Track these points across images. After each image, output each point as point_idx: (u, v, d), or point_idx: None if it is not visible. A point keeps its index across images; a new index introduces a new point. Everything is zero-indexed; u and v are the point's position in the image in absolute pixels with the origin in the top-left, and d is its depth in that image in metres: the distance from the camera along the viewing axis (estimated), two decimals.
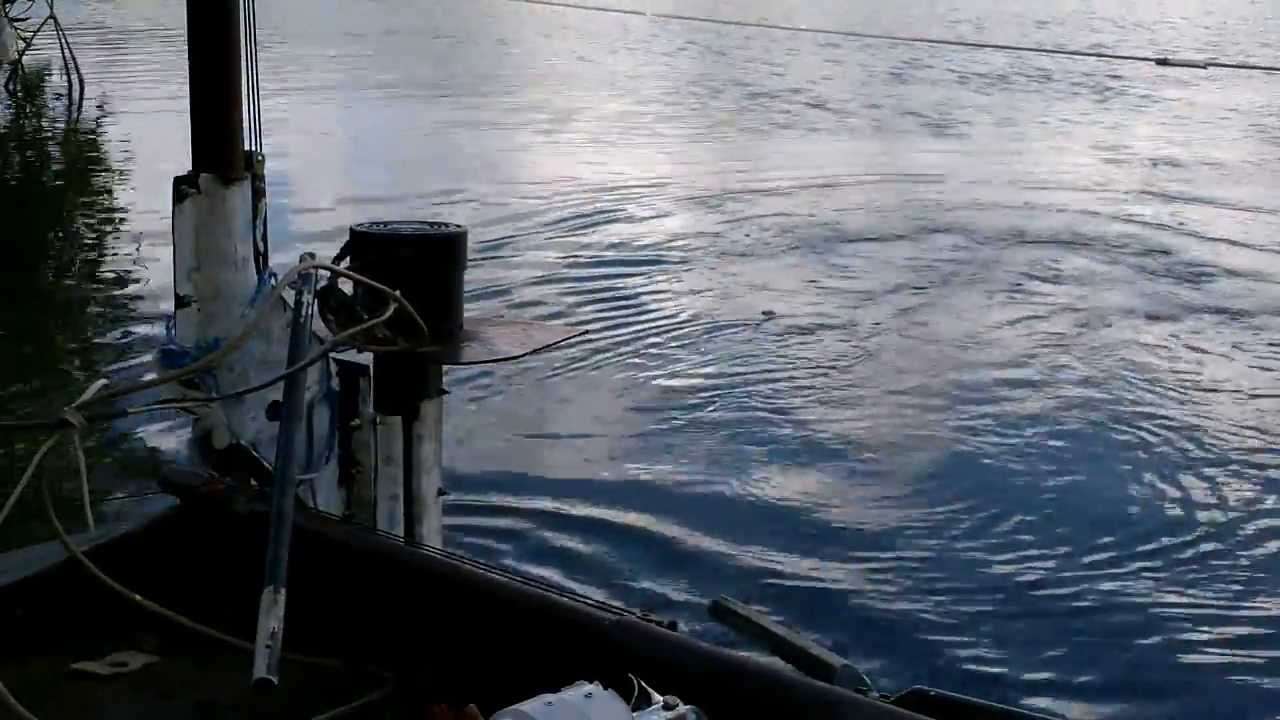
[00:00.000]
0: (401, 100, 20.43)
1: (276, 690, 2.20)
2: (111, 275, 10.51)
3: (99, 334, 9.13)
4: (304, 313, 2.67)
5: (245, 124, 2.85)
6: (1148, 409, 7.90)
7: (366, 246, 3.14)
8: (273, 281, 2.80)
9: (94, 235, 12.08)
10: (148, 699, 2.29)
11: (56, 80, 20.14)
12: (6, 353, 8.58)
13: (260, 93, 2.88)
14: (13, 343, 8.84)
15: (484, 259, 10.41)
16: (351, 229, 3.20)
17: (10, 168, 15.93)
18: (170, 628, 2.38)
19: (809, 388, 8.23)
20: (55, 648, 2.36)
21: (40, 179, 15.49)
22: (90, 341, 9.03)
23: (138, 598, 2.35)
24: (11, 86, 19.37)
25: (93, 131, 17.76)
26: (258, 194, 2.83)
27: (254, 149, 2.85)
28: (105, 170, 15.17)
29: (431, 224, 3.36)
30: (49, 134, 17.97)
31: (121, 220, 12.39)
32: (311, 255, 2.85)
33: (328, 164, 15.26)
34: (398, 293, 2.84)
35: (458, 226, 3.32)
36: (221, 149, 2.78)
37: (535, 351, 3.53)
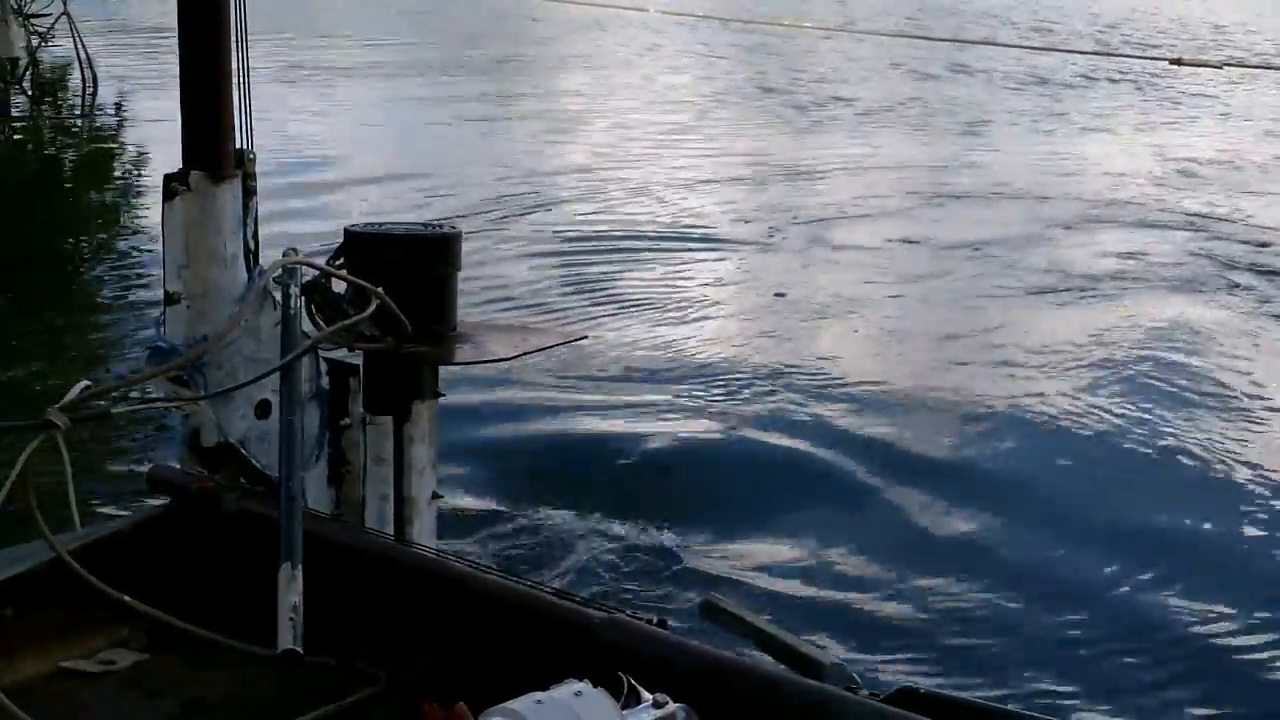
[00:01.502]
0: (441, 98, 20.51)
1: (264, 687, 2.21)
2: (112, 271, 10.58)
3: (103, 328, 9.18)
4: (292, 305, 2.68)
5: (237, 122, 2.84)
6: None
7: (359, 246, 3.14)
8: (262, 280, 2.80)
9: (99, 231, 12.13)
10: (136, 697, 2.28)
11: (75, 77, 20.08)
12: (12, 346, 8.63)
13: (251, 91, 2.87)
14: (17, 334, 8.89)
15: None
16: (345, 229, 3.20)
17: (20, 164, 15.92)
18: (159, 626, 2.37)
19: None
20: (44, 646, 2.36)
21: (47, 174, 15.46)
22: (94, 335, 9.07)
23: (126, 598, 2.34)
24: (24, 84, 19.31)
25: (104, 128, 17.75)
26: (248, 192, 2.83)
27: (245, 147, 2.84)
28: (112, 166, 15.22)
29: (425, 225, 3.36)
30: (59, 130, 17.96)
31: (124, 216, 12.40)
32: (295, 250, 2.84)
33: (374, 158, 15.47)
34: (380, 290, 2.85)
35: (451, 228, 3.32)
36: (212, 147, 2.78)
37: (527, 354, 3.52)
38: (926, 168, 15.55)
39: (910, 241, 11.89)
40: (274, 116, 16.15)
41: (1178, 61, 4.80)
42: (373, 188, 13.28)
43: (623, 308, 9.56)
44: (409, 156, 15.44)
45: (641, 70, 24.84)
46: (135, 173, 14.40)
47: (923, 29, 30.74)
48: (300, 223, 10.14)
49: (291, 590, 2.25)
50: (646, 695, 1.81)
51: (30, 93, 19.21)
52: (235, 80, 2.82)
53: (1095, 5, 39.52)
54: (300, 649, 2.18)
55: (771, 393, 7.75)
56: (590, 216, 12.65)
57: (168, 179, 2.75)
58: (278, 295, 2.79)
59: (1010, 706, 2.13)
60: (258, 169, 2.87)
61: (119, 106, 18.80)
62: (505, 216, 12.39)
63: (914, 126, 18.83)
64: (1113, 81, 23.75)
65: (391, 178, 13.92)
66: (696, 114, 19.65)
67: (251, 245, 2.83)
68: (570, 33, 29.66)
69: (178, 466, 2.82)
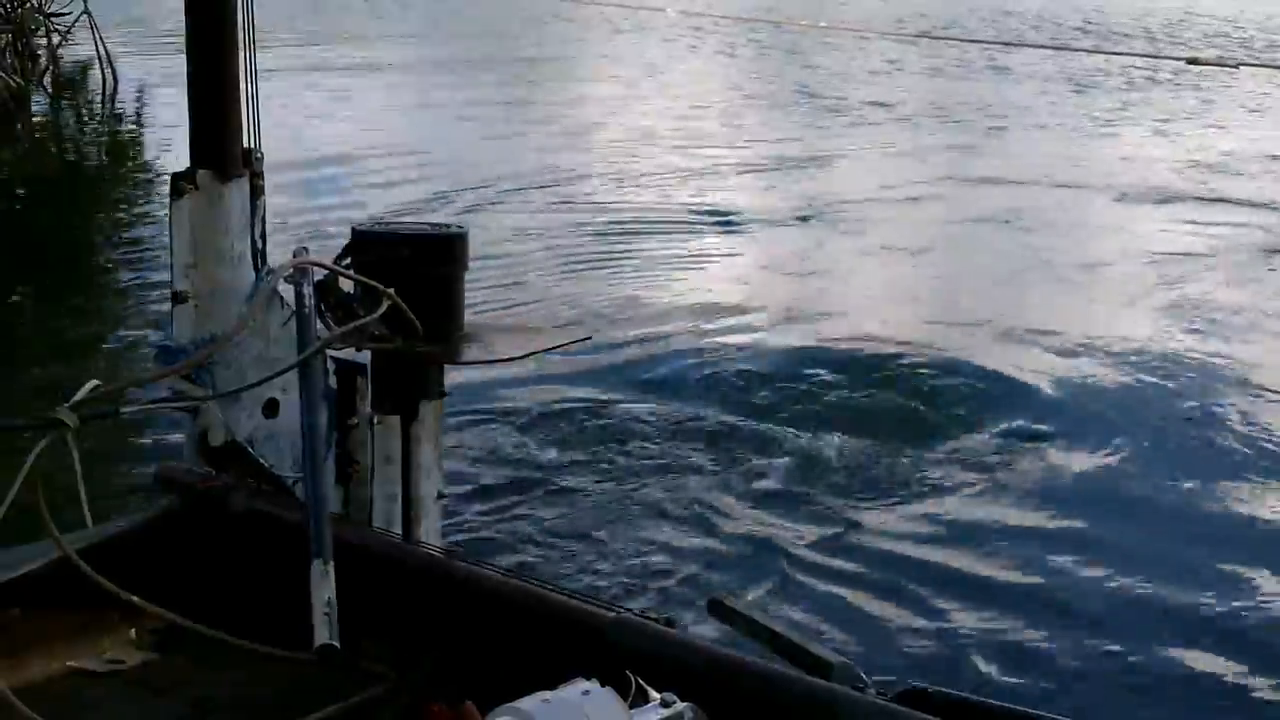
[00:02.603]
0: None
1: (272, 686, 2.20)
2: (128, 271, 10.67)
3: (118, 326, 9.25)
4: (307, 306, 2.68)
5: (244, 121, 2.84)
6: None
7: (366, 246, 3.14)
8: (270, 279, 2.80)
9: (114, 229, 12.21)
10: (144, 696, 2.28)
11: (93, 75, 20.14)
12: (25, 343, 8.69)
13: (259, 91, 2.87)
14: (31, 331, 8.95)
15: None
16: (353, 228, 3.20)
17: (41, 162, 15.98)
18: (167, 625, 2.37)
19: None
20: (52, 645, 2.36)
21: (67, 172, 15.53)
22: (109, 333, 9.14)
23: (134, 598, 2.34)
24: (45, 82, 19.37)
25: (124, 126, 17.83)
26: (256, 191, 2.83)
27: (252, 146, 2.84)
28: (132, 164, 15.34)
29: (433, 225, 3.36)
30: (80, 128, 18.02)
31: (140, 214, 12.49)
32: (306, 250, 2.84)
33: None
34: (391, 290, 2.84)
35: (459, 227, 3.32)
36: (220, 145, 2.77)
37: (534, 354, 3.52)
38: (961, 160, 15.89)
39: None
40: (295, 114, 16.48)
41: (1194, 61, 4.86)
42: (420, 186, 13.78)
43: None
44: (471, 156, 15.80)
45: (676, 71, 24.90)
46: (153, 171, 14.49)
47: (970, 31, 30.71)
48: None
49: (324, 586, 2.24)
50: (654, 694, 1.80)
51: (51, 91, 19.28)
52: (242, 79, 2.82)
53: (1151, 6, 39.26)
54: (337, 643, 2.16)
55: None
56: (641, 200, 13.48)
57: (175, 178, 2.74)
58: (285, 295, 2.78)
59: (1018, 706, 2.11)
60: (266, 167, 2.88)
61: (139, 101, 18.85)
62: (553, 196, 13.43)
63: (950, 127, 18.86)
64: (1155, 82, 23.66)
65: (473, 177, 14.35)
66: (730, 115, 19.74)
67: (259, 244, 2.83)
68: (607, 36, 29.69)
69: (185, 466, 2.83)
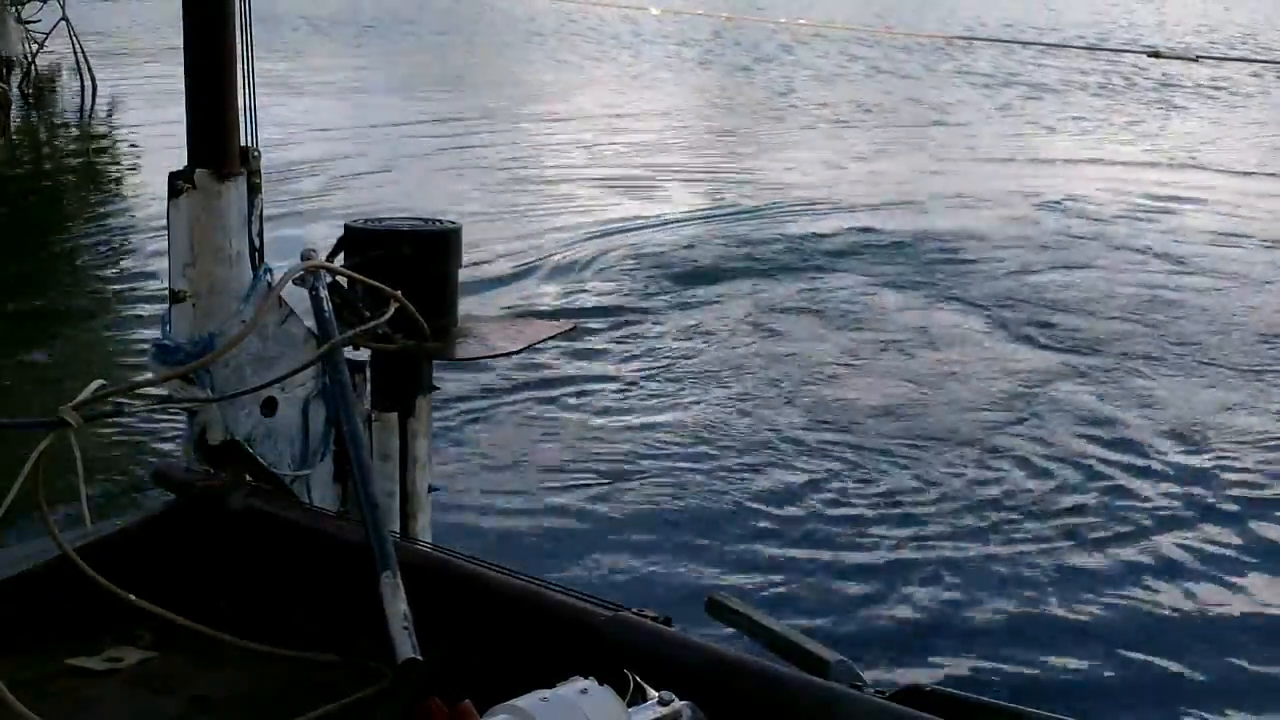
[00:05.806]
0: None
1: (270, 685, 2.20)
2: (117, 269, 10.66)
3: (105, 326, 9.24)
4: (326, 309, 2.69)
5: (241, 120, 2.84)
6: None
7: (362, 243, 3.14)
8: (268, 277, 2.80)
9: (100, 231, 12.21)
10: (143, 695, 2.28)
11: (68, 81, 20.19)
12: (15, 344, 8.68)
13: (256, 88, 2.87)
14: (21, 332, 8.95)
15: None
16: (346, 225, 3.20)
17: (21, 165, 15.99)
18: (165, 624, 2.37)
19: None
20: (50, 644, 2.36)
21: (50, 176, 15.55)
22: (97, 333, 9.13)
23: (131, 597, 2.34)
24: (23, 87, 19.38)
25: (103, 130, 17.86)
26: (253, 189, 2.83)
27: (250, 144, 2.84)
28: (113, 168, 15.35)
29: (425, 220, 3.36)
30: (60, 133, 18.03)
31: (126, 215, 12.51)
32: (315, 252, 2.85)
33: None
34: (399, 292, 2.85)
35: (452, 223, 3.32)
36: (218, 144, 2.77)
37: (529, 347, 3.54)
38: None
39: None
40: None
41: (1155, 54, 5.03)
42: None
43: None
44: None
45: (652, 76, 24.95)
46: (134, 172, 14.51)
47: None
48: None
49: (397, 599, 2.20)
50: (652, 693, 1.81)
51: (29, 93, 19.30)
52: (240, 78, 2.81)
53: (1178, 16, 39.28)
54: (419, 655, 2.12)
55: None
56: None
57: (173, 177, 2.74)
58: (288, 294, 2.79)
59: (1019, 705, 2.11)
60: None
61: (111, 107, 18.90)
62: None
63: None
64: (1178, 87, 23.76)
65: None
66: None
67: (256, 243, 2.83)
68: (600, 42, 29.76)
69: (183, 464, 2.82)
